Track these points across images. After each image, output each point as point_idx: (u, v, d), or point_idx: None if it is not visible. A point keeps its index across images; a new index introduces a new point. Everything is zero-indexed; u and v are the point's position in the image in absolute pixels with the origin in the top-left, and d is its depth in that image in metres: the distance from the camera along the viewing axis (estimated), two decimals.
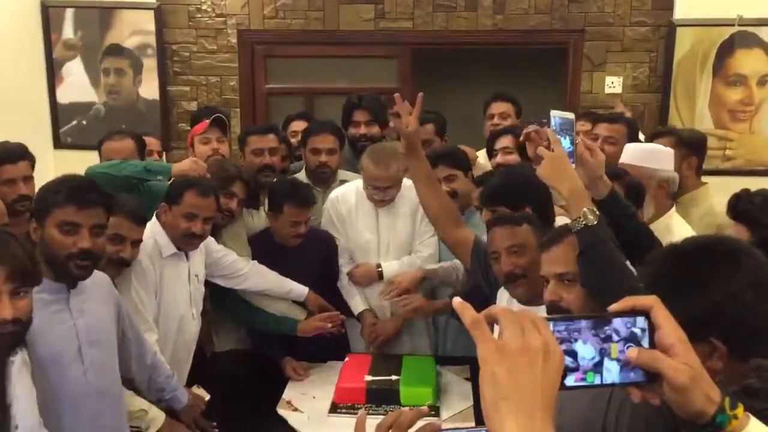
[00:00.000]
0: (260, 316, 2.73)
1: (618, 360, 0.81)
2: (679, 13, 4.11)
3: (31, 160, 2.60)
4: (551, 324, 0.77)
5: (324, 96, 4.45)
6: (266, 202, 2.79)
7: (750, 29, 4.03)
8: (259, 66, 4.45)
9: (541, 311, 1.74)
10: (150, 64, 4.37)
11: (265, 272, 2.69)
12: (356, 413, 2.11)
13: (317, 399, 2.45)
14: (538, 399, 0.69)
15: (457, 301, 0.76)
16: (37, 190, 2.00)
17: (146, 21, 4.31)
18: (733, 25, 4.01)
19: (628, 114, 3.61)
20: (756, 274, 1.04)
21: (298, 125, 3.49)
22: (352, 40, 4.34)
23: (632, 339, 0.81)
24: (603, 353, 0.80)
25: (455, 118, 3.89)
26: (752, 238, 1.79)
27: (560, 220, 2.13)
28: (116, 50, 4.35)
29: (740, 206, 1.95)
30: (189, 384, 2.42)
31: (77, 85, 4.39)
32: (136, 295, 2.23)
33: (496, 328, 0.74)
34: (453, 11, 4.27)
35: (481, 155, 3.36)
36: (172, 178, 2.56)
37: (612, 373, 0.81)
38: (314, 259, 2.80)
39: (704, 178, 2.80)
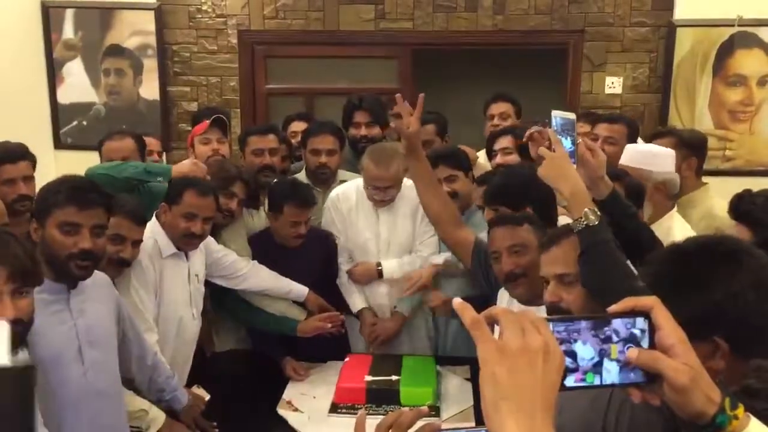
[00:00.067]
0: (260, 317, 2.73)
1: (618, 361, 0.81)
2: (679, 13, 4.11)
3: (31, 160, 2.60)
4: (551, 324, 0.77)
5: (324, 96, 4.46)
6: (266, 202, 2.79)
7: (750, 29, 4.03)
8: (260, 66, 4.45)
9: (542, 312, 1.74)
10: (150, 64, 4.37)
11: (265, 272, 2.69)
12: (356, 413, 2.11)
13: (317, 399, 2.45)
14: (538, 399, 0.69)
15: (457, 301, 0.76)
16: (37, 190, 2.00)
17: (146, 21, 4.31)
18: (733, 25, 4.01)
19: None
20: (758, 275, 1.04)
21: (298, 126, 3.50)
22: (352, 41, 4.34)
23: (632, 340, 0.81)
24: (603, 354, 0.80)
25: (455, 118, 3.89)
26: (754, 238, 1.79)
27: (562, 220, 2.13)
28: (116, 50, 4.35)
29: (742, 207, 1.95)
30: (189, 384, 2.42)
31: (77, 85, 4.39)
32: (136, 295, 2.23)
33: (497, 328, 0.74)
34: (453, 12, 4.27)
35: (482, 155, 3.36)
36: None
37: (612, 373, 0.81)
38: (314, 259, 2.80)
39: (704, 179, 2.79)
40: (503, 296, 2.20)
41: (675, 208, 2.44)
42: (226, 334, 2.85)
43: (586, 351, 0.80)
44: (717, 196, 2.67)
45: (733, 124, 4.15)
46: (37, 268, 1.51)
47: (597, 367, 0.80)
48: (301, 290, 2.73)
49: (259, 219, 2.91)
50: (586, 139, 1.81)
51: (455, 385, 2.52)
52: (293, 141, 3.36)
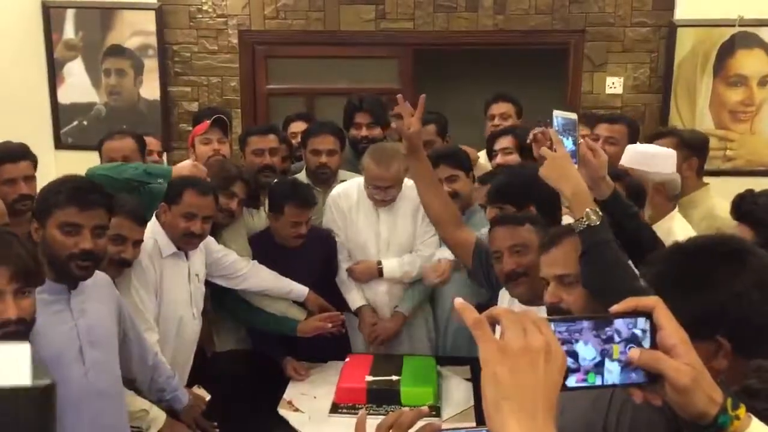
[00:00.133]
0: (260, 316, 2.73)
1: (619, 361, 0.80)
2: (680, 13, 4.11)
3: (32, 160, 2.61)
4: (552, 324, 0.77)
5: (325, 96, 4.46)
6: (266, 202, 2.79)
7: (751, 30, 4.03)
8: (260, 66, 4.45)
9: (542, 312, 1.73)
10: (151, 64, 4.37)
11: (265, 272, 2.69)
12: (357, 413, 2.12)
13: (318, 399, 2.45)
14: (540, 399, 0.69)
15: (458, 301, 0.75)
16: (38, 190, 2.00)
17: (147, 21, 4.31)
18: (733, 25, 4.01)
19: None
20: (761, 274, 1.04)
21: (298, 126, 3.50)
22: (352, 41, 4.34)
23: (633, 340, 0.81)
24: (604, 354, 0.80)
25: (456, 118, 3.89)
26: (756, 238, 1.78)
27: (566, 221, 2.13)
28: (117, 51, 4.35)
29: (744, 207, 1.95)
30: (190, 384, 2.42)
31: (78, 85, 4.39)
32: (136, 294, 2.23)
33: (498, 329, 0.74)
34: (454, 12, 4.27)
35: (482, 156, 3.36)
36: None
37: (613, 374, 0.80)
38: (315, 259, 2.80)
39: (705, 179, 2.79)
40: (504, 296, 2.20)
41: (676, 209, 2.43)
42: (227, 334, 2.86)
43: (587, 351, 0.80)
44: (718, 196, 2.67)
45: (734, 124, 4.14)
46: (40, 268, 1.52)
47: (598, 368, 0.80)
48: (301, 290, 2.73)
49: (259, 219, 2.91)
50: (588, 139, 1.82)
51: (456, 386, 2.52)
52: (293, 141, 3.36)
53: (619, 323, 0.81)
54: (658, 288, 1.04)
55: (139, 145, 2.99)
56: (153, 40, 4.33)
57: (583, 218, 1.58)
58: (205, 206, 2.34)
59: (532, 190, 2.16)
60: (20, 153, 2.57)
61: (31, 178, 2.56)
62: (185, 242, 2.36)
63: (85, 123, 4.43)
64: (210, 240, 2.55)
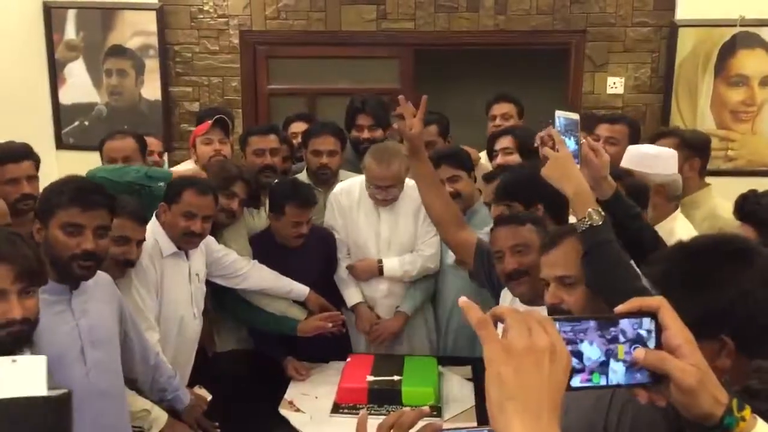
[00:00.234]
0: (260, 316, 2.73)
1: (624, 361, 0.80)
2: (681, 13, 4.11)
3: (35, 159, 2.61)
4: (557, 324, 0.77)
5: (326, 96, 4.46)
6: (267, 202, 2.79)
7: (752, 30, 4.02)
8: (261, 67, 4.45)
9: (544, 311, 1.74)
10: (152, 64, 4.37)
11: (266, 272, 2.69)
12: (358, 413, 2.11)
13: (319, 399, 2.45)
14: (544, 400, 0.69)
15: (463, 300, 0.75)
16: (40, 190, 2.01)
17: (148, 22, 4.31)
18: (735, 25, 4.01)
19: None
20: (766, 273, 1.04)
21: (298, 126, 3.50)
22: (354, 41, 4.34)
23: (639, 340, 0.81)
24: (609, 354, 0.80)
25: (457, 118, 3.89)
26: (759, 239, 1.78)
27: (572, 221, 2.12)
28: (118, 51, 4.35)
29: (747, 207, 1.94)
30: (191, 384, 2.42)
31: (79, 85, 4.39)
32: (137, 294, 2.24)
33: (500, 326, 0.73)
34: (455, 12, 4.27)
35: (484, 156, 3.36)
36: None
37: (618, 374, 0.80)
38: (315, 258, 2.80)
39: (706, 179, 2.78)
40: (506, 296, 2.20)
41: (678, 210, 2.41)
42: (227, 334, 2.86)
43: (592, 351, 0.79)
44: (719, 196, 2.67)
45: (735, 125, 4.14)
46: (43, 267, 1.52)
47: (603, 368, 0.80)
48: (301, 290, 2.74)
49: (260, 219, 2.91)
50: (590, 140, 1.82)
51: (457, 386, 2.52)
52: (293, 142, 3.36)
53: (624, 323, 0.81)
54: (662, 287, 1.04)
55: (140, 145, 2.99)
56: (154, 41, 4.33)
57: (585, 218, 1.58)
58: (205, 206, 2.34)
59: (540, 188, 2.15)
60: (23, 153, 2.57)
61: (33, 178, 2.57)
62: (185, 242, 2.36)
63: (86, 123, 4.43)
64: (210, 239, 2.55)
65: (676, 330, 0.80)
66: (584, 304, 1.62)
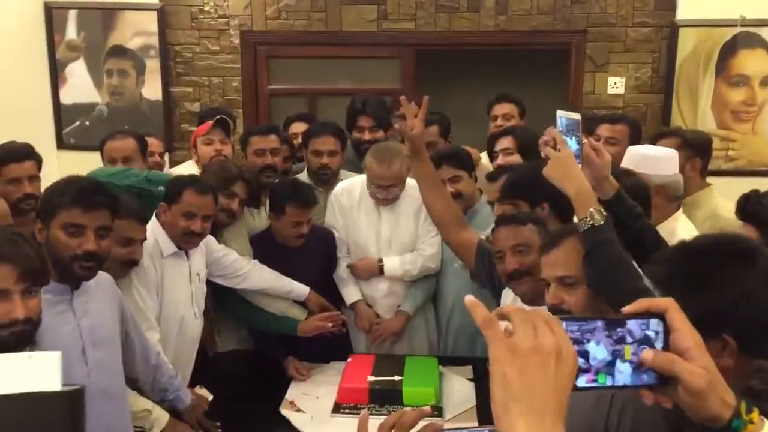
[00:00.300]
0: (260, 316, 2.73)
1: (631, 362, 0.80)
2: (682, 13, 4.10)
3: (37, 159, 2.62)
4: (564, 324, 0.75)
5: (327, 97, 4.46)
6: (267, 202, 2.79)
7: (753, 30, 4.02)
8: (262, 67, 4.45)
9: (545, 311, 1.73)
10: (153, 65, 4.37)
11: (266, 272, 2.69)
12: (359, 413, 2.11)
13: (320, 399, 2.45)
14: (549, 401, 0.68)
15: (469, 298, 0.74)
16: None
17: (149, 22, 4.32)
18: (735, 25, 4.01)
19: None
20: None
21: (298, 127, 3.50)
22: (354, 41, 4.34)
23: (646, 341, 0.80)
24: (616, 355, 0.79)
25: (457, 118, 3.89)
26: (761, 239, 1.78)
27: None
28: (119, 51, 4.35)
29: (749, 207, 1.94)
30: (192, 384, 2.42)
31: (80, 86, 4.40)
32: (137, 294, 2.24)
33: (503, 324, 0.73)
34: (455, 12, 4.27)
35: (484, 156, 3.36)
36: None
37: (624, 374, 0.80)
38: (315, 258, 2.80)
39: (707, 179, 2.78)
40: (507, 296, 2.20)
41: (680, 210, 2.40)
42: (228, 334, 2.86)
43: (599, 351, 0.79)
44: (720, 196, 2.67)
45: (736, 124, 4.14)
46: (46, 267, 1.52)
47: (609, 368, 0.79)
48: (302, 290, 2.74)
49: (260, 219, 2.92)
50: (591, 140, 1.82)
51: (458, 386, 2.52)
52: (294, 142, 3.36)
53: (631, 324, 0.80)
54: (664, 287, 1.04)
55: (141, 145, 2.99)
56: (155, 41, 4.34)
57: (587, 218, 1.58)
58: (205, 205, 2.34)
59: (546, 187, 2.15)
60: (25, 153, 2.58)
61: (35, 178, 2.58)
62: (185, 241, 2.36)
63: (87, 123, 4.43)
64: (210, 239, 2.56)
65: (685, 332, 0.80)
66: (585, 304, 1.62)
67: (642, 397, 0.82)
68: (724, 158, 4.12)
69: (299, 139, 3.26)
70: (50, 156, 4.20)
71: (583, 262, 1.61)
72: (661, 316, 0.81)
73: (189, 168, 3.19)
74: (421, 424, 1.06)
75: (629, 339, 0.80)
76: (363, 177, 2.83)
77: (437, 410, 2.30)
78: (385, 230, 2.83)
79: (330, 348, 2.75)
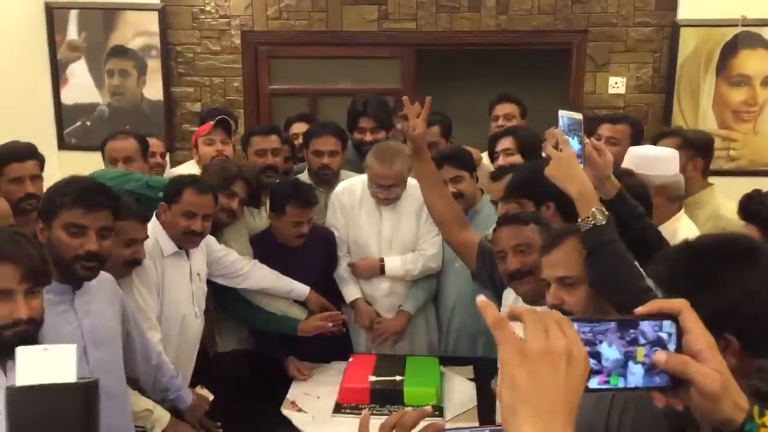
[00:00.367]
0: (261, 316, 2.73)
1: (643, 364, 0.79)
2: (683, 13, 4.11)
3: (39, 159, 2.62)
4: (576, 325, 0.74)
5: (327, 97, 4.46)
6: (268, 202, 2.79)
7: (754, 29, 4.02)
8: (263, 67, 4.46)
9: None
10: (154, 65, 4.38)
11: (266, 271, 2.69)
12: (360, 413, 2.11)
13: (321, 399, 2.45)
14: (559, 404, 0.67)
15: (480, 299, 0.73)
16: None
17: (150, 22, 4.32)
18: (736, 25, 4.01)
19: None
20: None
21: (299, 127, 3.50)
22: (355, 41, 4.34)
23: (659, 343, 0.79)
24: (628, 356, 0.78)
25: (458, 118, 3.89)
26: (763, 238, 1.78)
27: None
28: (120, 51, 4.36)
29: (751, 207, 1.94)
30: (193, 384, 2.43)
31: (81, 86, 4.40)
32: (138, 294, 2.24)
33: (514, 325, 0.72)
34: (456, 12, 4.27)
35: (485, 156, 3.36)
36: None
37: (636, 376, 0.79)
38: (316, 258, 2.81)
39: (708, 179, 2.78)
40: (508, 296, 2.20)
41: (682, 210, 2.40)
42: (229, 334, 2.86)
43: (611, 353, 0.78)
44: (722, 196, 2.66)
45: (737, 124, 4.14)
46: (48, 267, 1.53)
47: (621, 370, 0.78)
48: (302, 289, 2.74)
49: (260, 219, 2.92)
50: (593, 139, 1.82)
51: (459, 386, 2.52)
52: (294, 142, 3.36)
53: (644, 325, 0.79)
54: (667, 287, 1.04)
55: (142, 145, 2.99)
56: (156, 41, 4.34)
57: (589, 218, 1.58)
58: (205, 205, 2.35)
59: (551, 186, 2.15)
60: (27, 152, 2.58)
61: (37, 178, 2.58)
62: (186, 241, 2.36)
63: (88, 123, 4.44)
64: (211, 239, 2.56)
65: (698, 334, 0.79)
66: (586, 304, 1.62)
67: (653, 399, 0.81)
68: (726, 158, 4.12)
69: (300, 140, 3.26)
70: (51, 156, 4.19)
71: (585, 262, 1.61)
72: (674, 317, 0.80)
73: (190, 168, 3.19)
74: (422, 424, 1.06)
75: (642, 340, 0.79)
76: (364, 177, 2.83)
77: (438, 410, 2.30)
78: (386, 230, 2.83)
79: (330, 348, 2.75)
